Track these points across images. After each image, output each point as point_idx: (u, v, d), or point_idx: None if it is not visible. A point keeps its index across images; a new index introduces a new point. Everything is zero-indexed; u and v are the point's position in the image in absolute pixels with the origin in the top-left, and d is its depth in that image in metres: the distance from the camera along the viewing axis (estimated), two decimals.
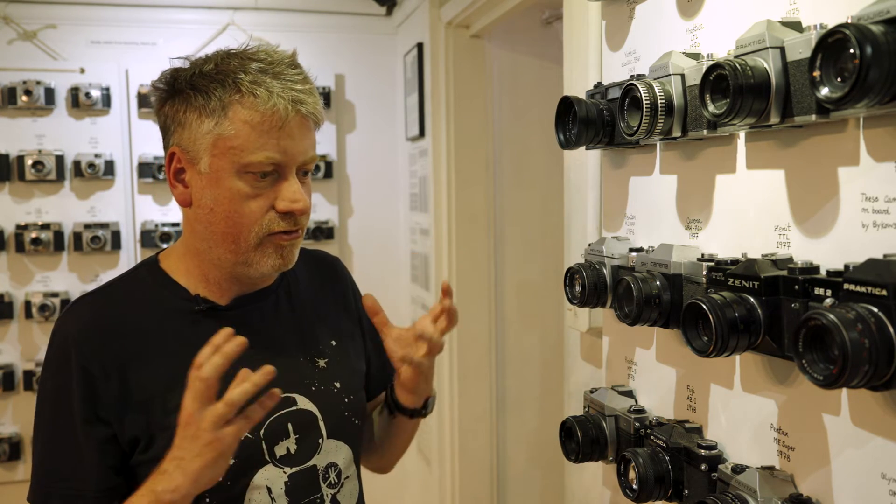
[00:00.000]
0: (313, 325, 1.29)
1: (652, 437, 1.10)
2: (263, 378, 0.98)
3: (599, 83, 1.28)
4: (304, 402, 1.20)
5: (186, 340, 1.15)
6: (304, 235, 1.19)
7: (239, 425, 0.98)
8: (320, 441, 1.21)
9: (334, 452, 1.22)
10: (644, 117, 1.04)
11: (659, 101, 1.03)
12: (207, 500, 1.12)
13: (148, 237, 3.11)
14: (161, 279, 1.20)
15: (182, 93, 1.11)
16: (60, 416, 1.13)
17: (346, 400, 1.25)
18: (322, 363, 1.26)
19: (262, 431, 1.15)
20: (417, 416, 1.32)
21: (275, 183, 1.12)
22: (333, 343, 1.29)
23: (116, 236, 3.08)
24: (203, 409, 0.97)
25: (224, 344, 0.99)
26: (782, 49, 0.84)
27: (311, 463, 1.19)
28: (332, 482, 1.22)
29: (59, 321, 1.17)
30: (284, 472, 1.17)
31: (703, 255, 1.04)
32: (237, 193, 1.10)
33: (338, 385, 1.25)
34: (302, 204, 1.12)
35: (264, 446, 1.15)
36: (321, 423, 1.21)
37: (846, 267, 0.75)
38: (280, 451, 1.17)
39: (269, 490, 1.15)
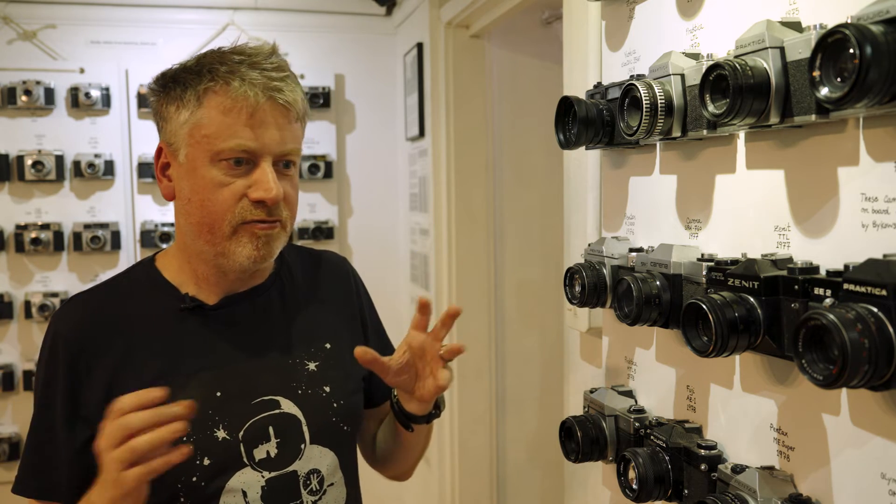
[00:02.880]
0: (307, 326, 1.27)
1: (652, 437, 1.10)
2: (171, 434, 0.95)
3: (599, 83, 1.28)
4: (287, 406, 1.18)
5: (171, 339, 1.17)
6: (288, 229, 1.18)
7: (140, 471, 0.94)
8: (302, 446, 1.18)
9: (317, 458, 1.20)
10: (644, 117, 1.04)
11: (659, 101, 1.03)
12: (182, 499, 1.11)
13: (148, 237, 3.11)
14: (154, 278, 1.21)
15: (165, 88, 1.14)
16: (44, 411, 1.15)
17: (334, 405, 1.22)
18: (312, 366, 1.23)
19: (240, 434, 1.14)
20: (433, 418, 1.29)
21: (249, 172, 1.11)
22: (328, 346, 1.27)
23: (116, 236, 3.08)
24: (110, 448, 0.95)
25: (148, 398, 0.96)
26: (782, 49, 0.84)
27: (291, 468, 1.17)
28: (314, 489, 1.19)
29: (52, 318, 1.19)
30: (262, 477, 1.15)
31: (702, 255, 1.04)
32: (211, 182, 1.10)
33: (327, 389, 1.23)
34: (274, 193, 1.10)
35: (242, 449, 1.13)
36: (304, 428, 1.19)
37: (846, 267, 0.75)
38: (259, 454, 1.15)
39: (245, 494, 1.13)
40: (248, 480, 1.14)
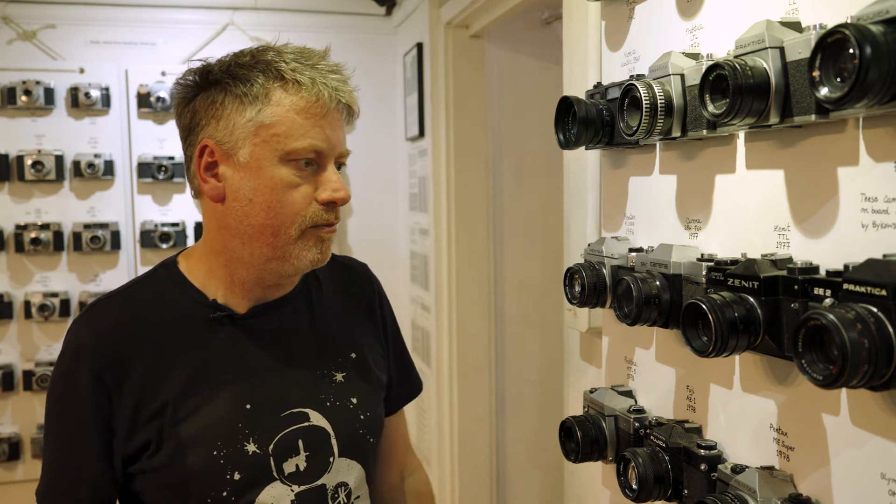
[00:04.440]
0: (333, 336, 1.24)
1: (651, 437, 1.10)
2: None
3: (599, 83, 1.28)
4: (317, 419, 1.16)
5: (200, 349, 1.13)
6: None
7: None
8: (331, 459, 1.16)
9: (346, 472, 1.18)
10: (643, 117, 1.04)
11: (658, 102, 1.03)
12: None
13: (147, 237, 3.11)
14: (179, 282, 1.17)
15: (219, 83, 1.09)
16: (67, 424, 1.11)
17: (361, 417, 1.21)
18: (340, 377, 1.21)
19: (271, 447, 1.12)
20: None
21: (315, 174, 1.10)
22: (353, 356, 1.24)
23: (116, 236, 3.08)
24: None
25: None
26: (782, 49, 0.84)
27: (320, 482, 1.15)
28: (342, 502, 1.17)
29: (73, 326, 1.14)
30: (292, 491, 1.13)
31: (702, 255, 1.04)
32: (279, 182, 1.08)
33: (354, 401, 1.20)
34: (344, 193, 1.11)
35: (272, 462, 1.11)
36: (333, 441, 1.17)
37: (846, 267, 0.75)
38: (289, 468, 1.12)
39: None
40: (278, 495, 1.11)
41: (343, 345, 1.25)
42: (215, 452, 1.09)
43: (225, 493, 1.09)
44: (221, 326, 1.15)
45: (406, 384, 1.40)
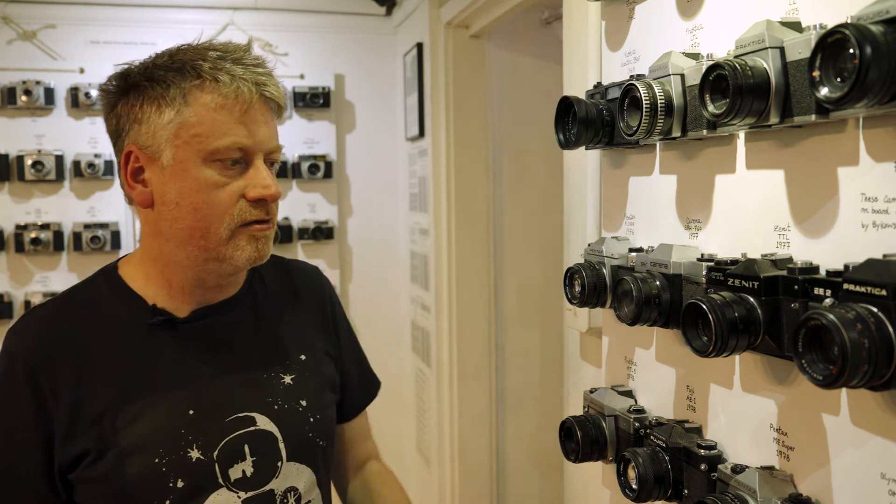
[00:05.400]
0: (281, 338, 1.22)
1: (651, 437, 1.10)
2: None
3: (599, 83, 1.28)
4: (264, 422, 1.14)
5: (140, 355, 1.11)
6: (275, 228, 1.14)
7: None
8: (279, 464, 1.13)
9: (295, 476, 1.15)
10: (644, 117, 1.04)
11: (658, 102, 1.03)
12: None
13: None
14: (118, 288, 1.15)
15: (137, 87, 1.08)
16: (3, 435, 1.09)
17: (311, 420, 1.18)
18: (288, 379, 1.18)
19: (215, 453, 1.09)
20: None
21: (242, 171, 1.08)
22: (303, 358, 1.22)
23: (116, 236, 3.08)
24: None
25: None
26: (782, 49, 0.84)
27: (268, 487, 1.12)
28: None
29: (8, 335, 1.11)
30: (238, 497, 1.10)
31: (702, 255, 1.04)
32: (205, 183, 1.05)
33: (304, 403, 1.18)
34: (273, 189, 1.08)
35: (217, 469, 1.08)
36: (281, 445, 1.14)
37: (846, 267, 0.75)
38: (235, 474, 1.09)
39: None
40: (224, 502, 1.09)
41: (292, 347, 1.22)
42: (157, 460, 1.06)
43: (168, 502, 1.06)
44: (161, 332, 1.12)
45: (364, 388, 1.39)
